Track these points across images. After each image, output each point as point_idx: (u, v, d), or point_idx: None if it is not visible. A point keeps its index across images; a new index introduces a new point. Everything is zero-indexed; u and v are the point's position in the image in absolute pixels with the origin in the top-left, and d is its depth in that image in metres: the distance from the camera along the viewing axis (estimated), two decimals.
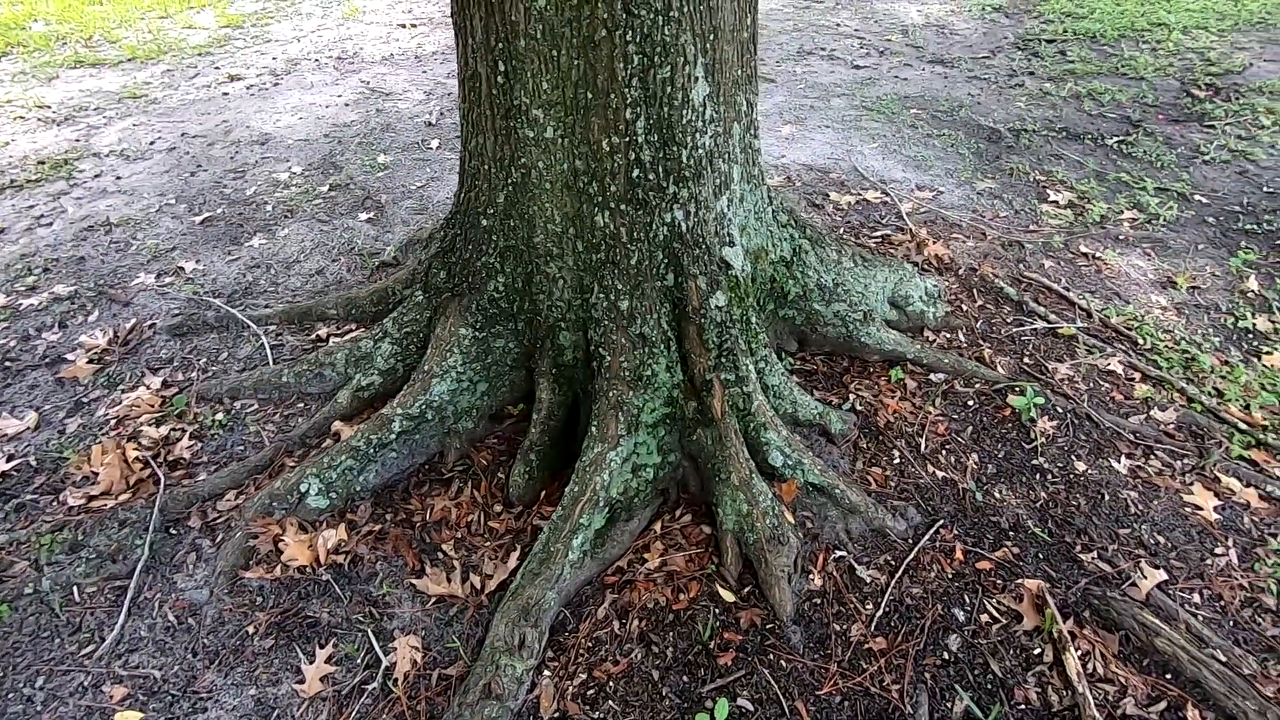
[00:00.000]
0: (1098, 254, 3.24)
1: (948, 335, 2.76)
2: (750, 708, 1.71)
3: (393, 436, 2.18)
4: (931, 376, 2.56)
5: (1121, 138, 4.20)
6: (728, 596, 1.93)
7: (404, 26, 6.64)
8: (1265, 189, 3.69)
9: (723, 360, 2.06)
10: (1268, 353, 2.70)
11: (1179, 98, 4.65)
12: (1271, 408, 2.46)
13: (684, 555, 2.02)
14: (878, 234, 3.37)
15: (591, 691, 1.75)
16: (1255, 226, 3.42)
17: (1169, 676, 1.76)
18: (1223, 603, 1.92)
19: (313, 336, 2.83)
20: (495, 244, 2.19)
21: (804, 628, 1.87)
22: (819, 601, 1.93)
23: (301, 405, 2.51)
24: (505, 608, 1.84)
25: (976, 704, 1.71)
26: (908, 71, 5.26)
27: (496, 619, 1.82)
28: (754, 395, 2.08)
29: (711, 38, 1.86)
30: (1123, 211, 3.54)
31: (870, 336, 2.54)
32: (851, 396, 2.47)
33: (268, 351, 2.76)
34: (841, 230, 3.42)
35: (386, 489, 2.22)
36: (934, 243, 3.21)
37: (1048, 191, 3.71)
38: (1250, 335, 2.80)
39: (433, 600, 1.96)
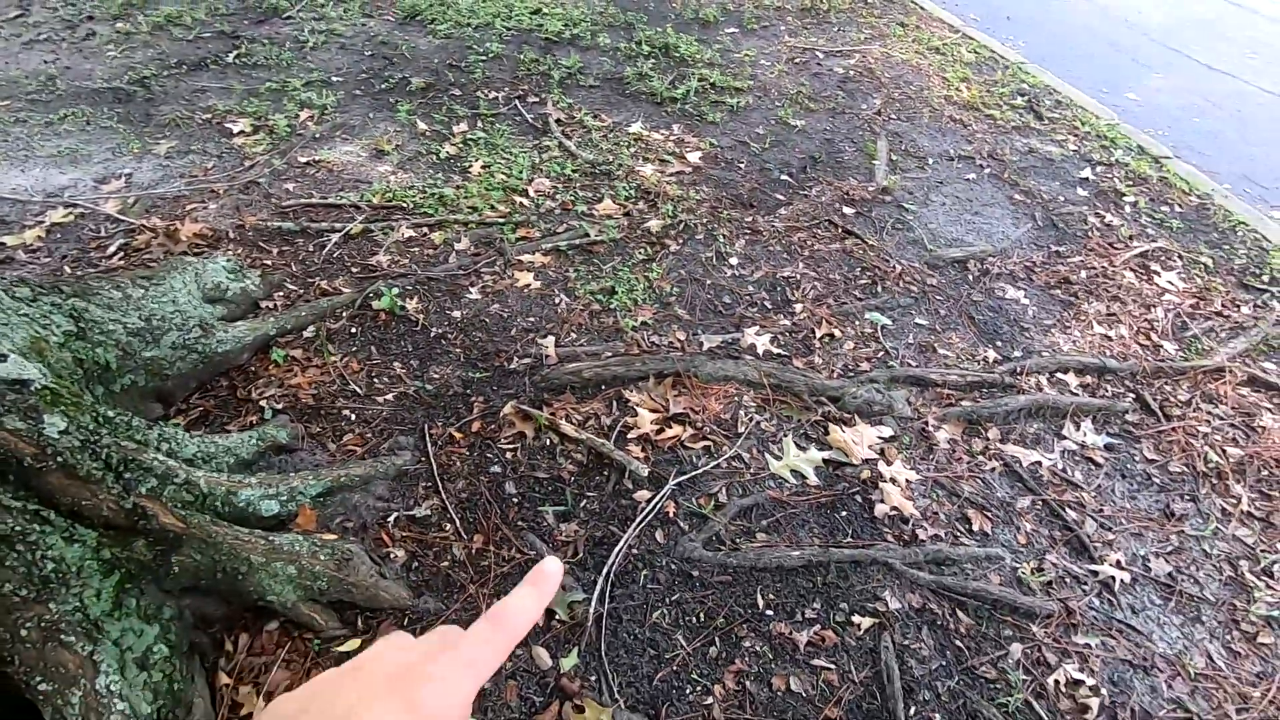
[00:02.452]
0: (317, 158, 3.49)
1: (283, 294, 2.69)
2: None
3: None
4: (305, 333, 2.53)
5: (235, 52, 4.30)
6: (352, 645, 1.78)
7: None
8: (368, 55, 4.44)
9: (126, 475, 1.60)
10: (467, 166, 3.54)
11: (244, 0, 4.92)
12: (500, 199, 3.32)
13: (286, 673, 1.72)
14: (101, 251, 2.83)
15: None
16: (389, 84, 4.16)
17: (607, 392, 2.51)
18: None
19: None
20: None
21: (430, 593, 1.91)
22: (417, 564, 1.96)
23: None
24: None
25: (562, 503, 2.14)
26: None
27: None
28: (191, 478, 1.73)
29: None
30: (299, 115, 3.80)
31: (225, 343, 2.29)
32: (264, 403, 2.27)
33: None
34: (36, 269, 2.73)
35: None
36: (184, 224, 2.90)
37: (228, 127, 3.65)
38: (451, 160, 3.60)
39: None
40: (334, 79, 4.16)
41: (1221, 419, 2.71)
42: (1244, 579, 2.22)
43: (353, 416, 2.30)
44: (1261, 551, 2.30)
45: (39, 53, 4.14)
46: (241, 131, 3.62)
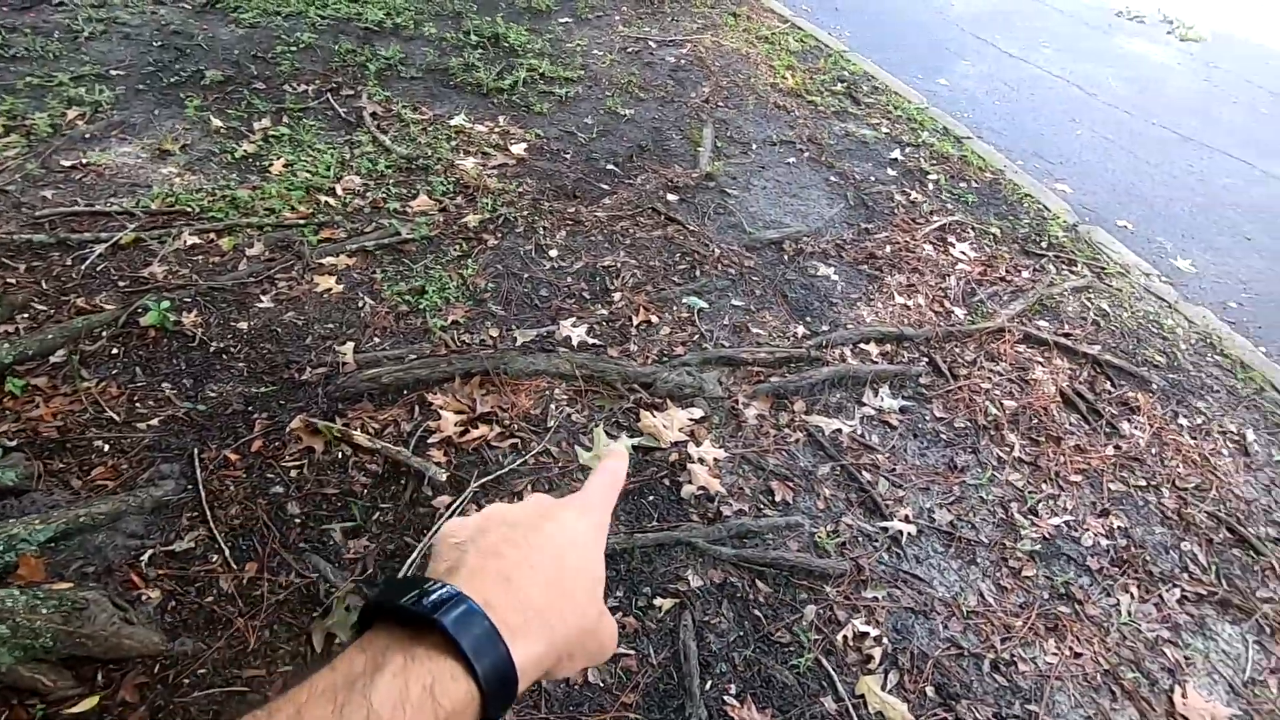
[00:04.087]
0: (85, 161, 3.13)
1: (28, 316, 2.38)
2: None
3: None
4: (53, 358, 2.25)
5: None
6: (89, 705, 1.59)
7: None
8: (156, 46, 4.03)
9: None
10: (267, 165, 3.29)
11: None
12: (301, 199, 3.11)
13: None
14: None
15: None
16: (179, 79, 3.80)
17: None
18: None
19: None
20: None
21: (190, 633, 1.75)
22: (175, 603, 1.79)
23: None
24: None
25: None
26: None
27: None
28: None
29: None
30: (66, 113, 3.39)
31: None
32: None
33: None
34: None
35: None
36: None
37: None
38: (249, 160, 3.33)
39: None
40: (113, 72, 3.75)
41: (1000, 375, 2.96)
42: (1013, 520, 2.44)
43: (106, 447, 2.06)
44: (1029, 492, 2.53)
45: None
46: None
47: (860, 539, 2.29)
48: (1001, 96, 5.85)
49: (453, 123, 3.84)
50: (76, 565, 1.75)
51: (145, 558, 1.83)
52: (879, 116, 4.76)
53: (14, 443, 2.00)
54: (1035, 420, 2.79)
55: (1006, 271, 3.54)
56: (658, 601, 2.02)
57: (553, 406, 2.47)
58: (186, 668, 1.68)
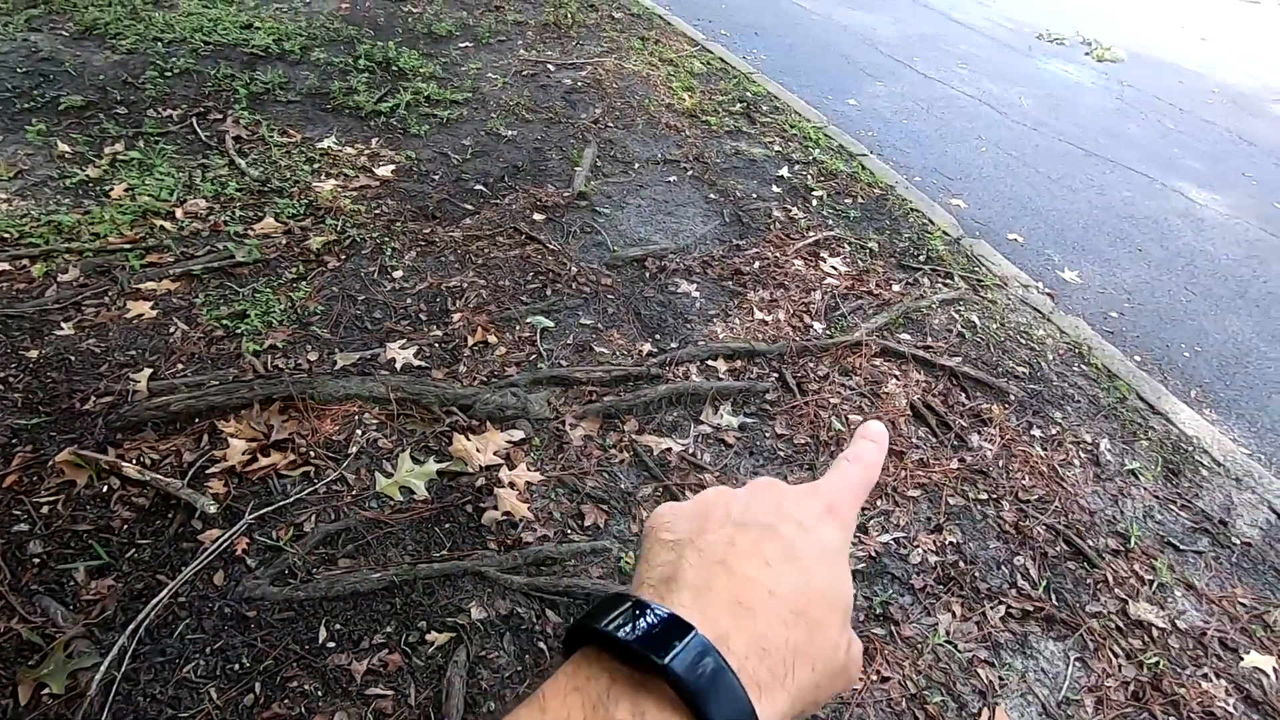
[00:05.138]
0: None
1: None
2: None
3: None
4: None
5: None
6: None
7: None
8: (19, 72, 3.95)
9: None
10: (108, 189, 3.19)
11: None
12: (132, 223, 3.00)
13: None
14: None
15: None
16: (33, 104, 3.70)
17: None
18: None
19: None
20: None
21: None
22: None
23: None
24: None
25: None
26: None
27: None
28: None
29: None
30: None
31: None
32: None
33: None
34: None
35: None
36: None
37: None
38: (89, 184, 3.22)
39: None
40: None
41: (852, 389, 2.90)
42: None
43: None
44: (863, 510, 2.45)
45: None
46: None
47: None
48: (910, 115, 5.91)
49: (320, 145, 3.77)
50: None
51: None
52: (773, 135, 4.76)
53: None
54: None
55: (876, 285, 3.50)
56: (430, 636, 1.89)
57: (358, 432, 2.36)
58: None
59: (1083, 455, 2.80)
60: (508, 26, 5.63)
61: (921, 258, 3.80)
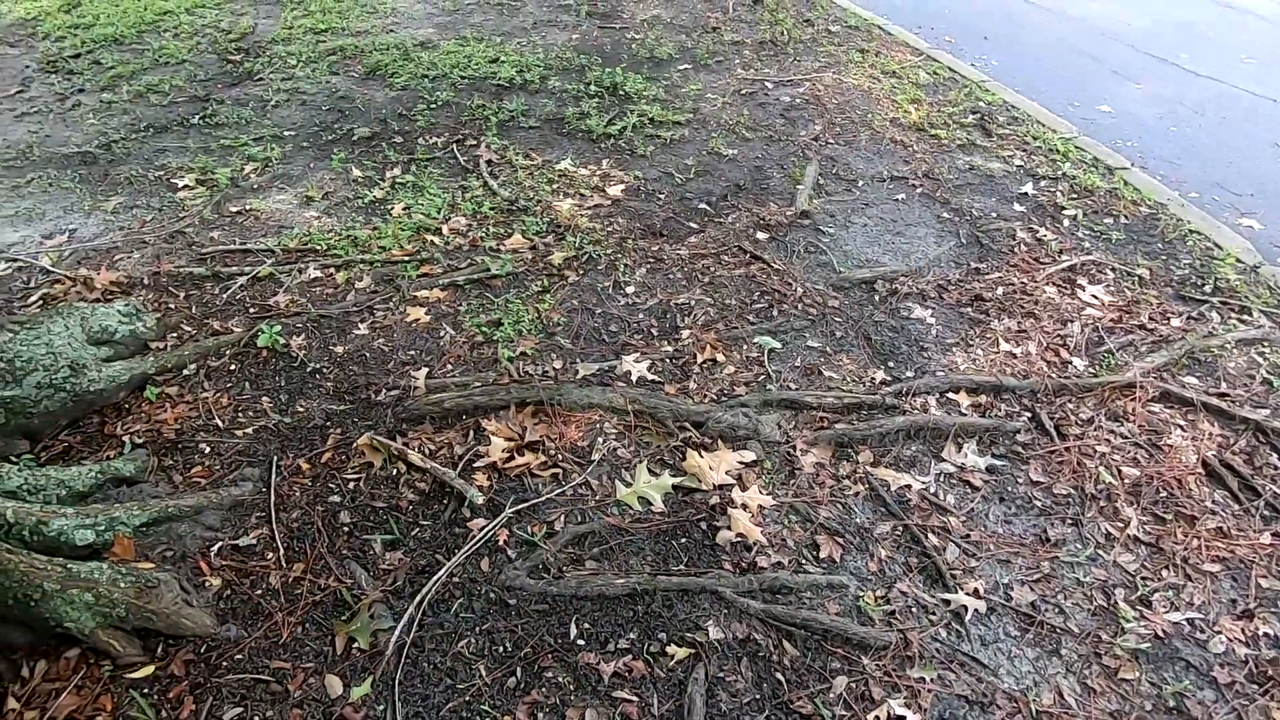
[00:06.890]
0: (248, 207, 3.69)
1: (176, 334, 2.84)
2: None
3: None
4: (184, 371, 2.65)
5: (202, 114, 4.61)
6: (146, 672, 1.82)
7: None
8: (324, 110, 4.70)
9: None
10: (390, 208, 3.68)
11: (223, 66, 5.29)
12: (410, 238, 3.44)
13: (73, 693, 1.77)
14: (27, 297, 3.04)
15: None
16: (335, 135, 4.39)
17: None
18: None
19: None
20: None
21: (237, 621, 1.95)
22: (230, 592, 2.00)
23: None
24: None
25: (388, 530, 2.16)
26: None
27: None
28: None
29: None
30: (244, 168, 4.04)
31: (97, 381, 2.43)
32: (126, 437, 2.38)
33: None
34: None
35: None
36: (103, 272, 3.10)
37: (175, 182, 3.91)
38: (375, 204, 3.75)
39: None
40: (286, 133, 4.41)
41: (1125, 438, 2.54)
42: (1117, 609, 2.05)
43: (207, 449, 2.38)
44: (1143, 579, 2.13)
45: (27, 124, 4.54)
46: (186, 187, 3.87)
47: (914, 609, 2.05)
48: (1179, 121, 5.13)
49: (559, 167, 4.07)
50: (160, 549, 2.02)
51: (215, 549, 2.08)
52: (1013, 148, 4.36)
53: (141, 440, 2.37)
54: (1164, 494, 2.36)
55: (1149, 318, 3.05)
56: (671, 649, 1.93)
57: (600, 440, 2.48)
58: (227, 652, 1.87)
59: None
60: (725, 47, 5.71)
61: (1207, 288, 3.25)
